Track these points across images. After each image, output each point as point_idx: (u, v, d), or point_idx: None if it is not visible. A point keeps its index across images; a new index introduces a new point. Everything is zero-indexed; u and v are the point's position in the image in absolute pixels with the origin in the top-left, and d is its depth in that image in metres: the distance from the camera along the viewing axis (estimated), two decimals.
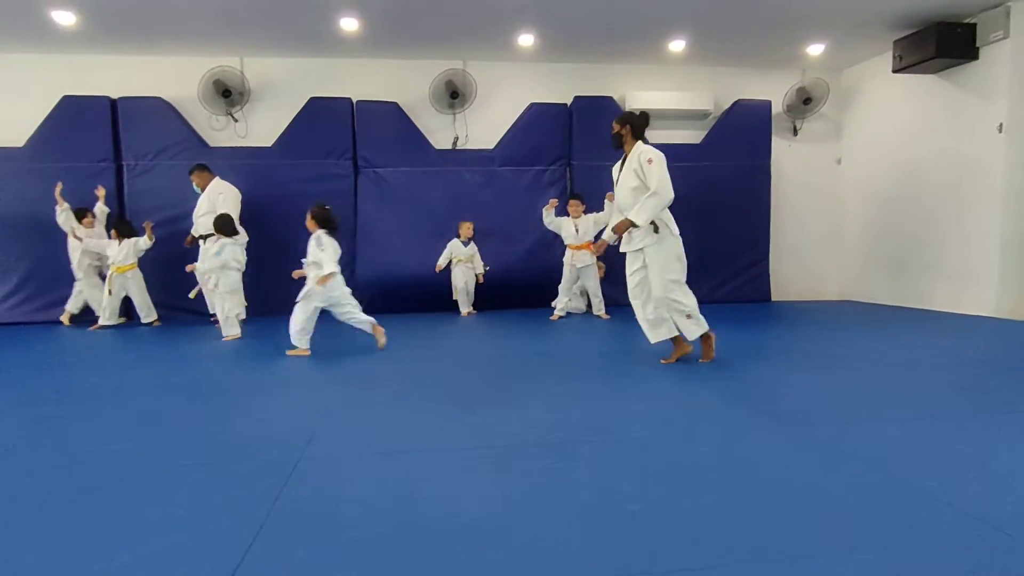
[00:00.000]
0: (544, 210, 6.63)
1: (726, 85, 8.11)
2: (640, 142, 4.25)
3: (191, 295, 6.18)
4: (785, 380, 3.74)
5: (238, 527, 1.78)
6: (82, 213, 6.70)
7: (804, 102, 8.11)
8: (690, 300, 4.11)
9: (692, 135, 8.08)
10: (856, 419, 2.81)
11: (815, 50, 7.60)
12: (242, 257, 5.91)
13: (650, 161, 4.03)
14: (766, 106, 8.04)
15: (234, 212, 6.35)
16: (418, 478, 2.16)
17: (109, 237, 6.67)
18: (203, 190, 6.52)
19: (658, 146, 7.60)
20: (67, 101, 7.04)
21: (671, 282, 4.06)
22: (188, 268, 6.07)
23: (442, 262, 7.13)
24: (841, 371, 3.94)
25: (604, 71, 7.97)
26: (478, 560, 1.58)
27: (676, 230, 4.11)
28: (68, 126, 7.02)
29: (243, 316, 6.16)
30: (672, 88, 8.01)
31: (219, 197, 6.48)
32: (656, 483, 2.07)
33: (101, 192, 6.90)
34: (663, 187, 3.93)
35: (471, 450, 2.46)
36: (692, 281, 7.70)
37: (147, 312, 6.75)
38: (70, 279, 6.83)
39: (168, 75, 7.29)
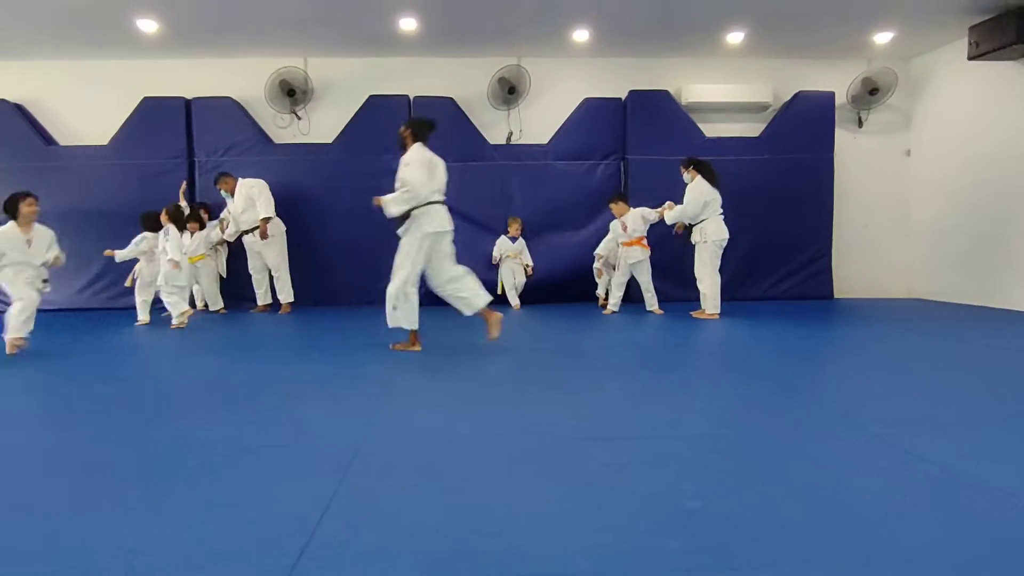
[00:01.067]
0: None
1: (786, 77, 7.89)
2: (417, 144, 4.58)
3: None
4: (851, 379, 3.63)
5: (304, 508, 1.83)
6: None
7: (870, 92, 7.80)
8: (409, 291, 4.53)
9: (750, 128, 7.90)
10: (929, 421, 2.69)
11: (883, 38, 7.30)
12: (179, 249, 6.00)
13: (407, 164, 4.49)
14: (829, 97, 7.78)
15: (270, 200, 6.84)
16: (475, 468, 2.17)
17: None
18: (231, 193, 6.92)
19: (715, 140, 7.60)
20: (147, 102, 7.49)
21: (398, 268, 4.55)
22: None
23: (496, 254, 7.25)
24: (911, 371, 3.79)
25: (659, 64, 7.89)
26: (537, 550, 1.58)
27: (429, 227, 4.49)
28: (147, 125, 7.47)
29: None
30: (729, 81, 7.85)
31: (253, 189, 6.88)
32: (717, 481, 2.03)
33: (184, 188, 7.28)
34: (411, 183, 4.41)
35: (527, 442, 2.46)
36: (749, 277, 7.54)
37: (214, 300, 7.11)
38: None
39: (237, 76, 7.65)
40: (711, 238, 6.12)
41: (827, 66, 7.93)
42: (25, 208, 4.69)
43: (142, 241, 6.28)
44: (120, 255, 6.29)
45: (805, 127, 7.72)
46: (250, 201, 6.86)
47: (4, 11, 6.22)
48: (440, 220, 4.56)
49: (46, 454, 2.35)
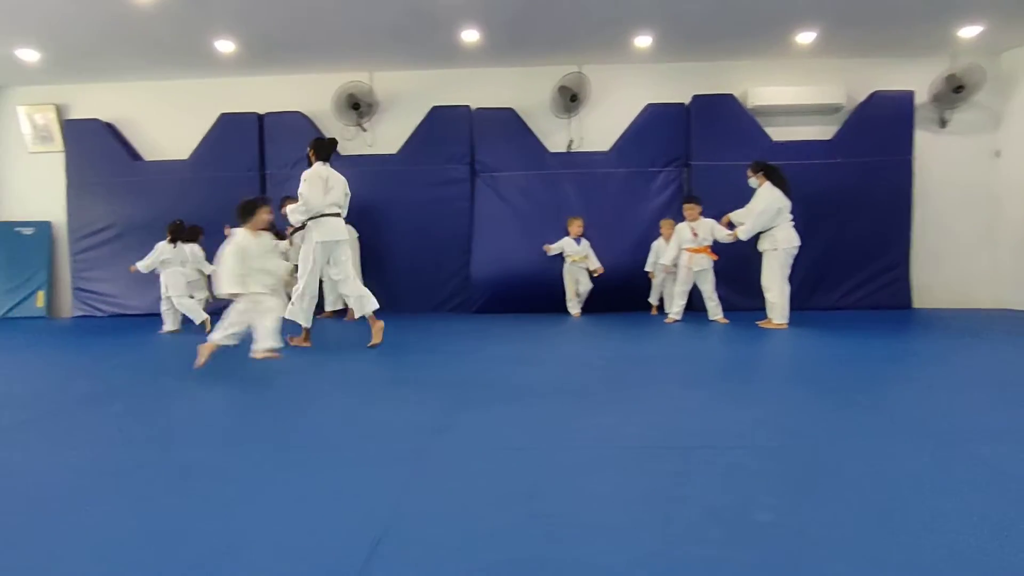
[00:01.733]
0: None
1: (860, 76, 7.55)
2: (318, 163, 5.08)
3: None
4: (930, 392, 3.43)
5: (378, 505, 1.91)
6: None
7: (955, 90, 7.36)
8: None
9: (821, 131, 7.59)
10: (1007, 438, 2.53)
11: (969, 32, 6.88)
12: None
13: (304, 180, 4.97)
14: (908, 97, 7.39)
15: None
16: (540, 475, 2.18)
17: None
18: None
19: (783, 144, 7.34)
20: (223, 118, 7.89)
21: (301, 271, 5.14)
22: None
23: (552, 248, 7.11)
24: (1000, 386, 3.55)
25: (724, 68, 7.70)
26: (603, 559, 1.58)
27: (320, 237, 4.99)
28: (223, 140, 7.88)
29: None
30: (799, 83, 7.58)
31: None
32: (788, 493, 1.97)
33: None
34: (306, 198, 4.95)
35: (592, 450, 2.45)
36: (820, 285, 7.23)
37: (284, 307, 7.39)
38: None
39: (306, 91, 7.96)
40: (782, 246, 5.90)
41: (906, 64, 7.54)
42: (264, 215, 4.49)
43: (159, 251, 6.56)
44: (142, 265, 6.59)
45: (882, 128, 7.36)
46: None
47: (102, 37, 6.69)
48: (332, 230, 5.05)
49: (143, 448, 2.51)
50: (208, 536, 1.75)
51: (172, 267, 6.49)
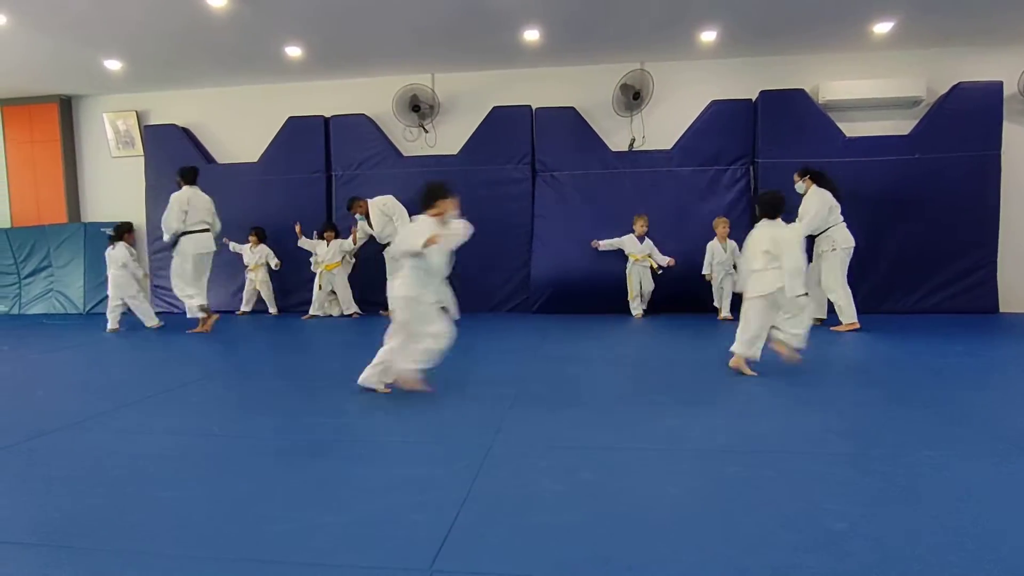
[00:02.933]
0: None
1: (941, 67, 7.16)
2: (186, 187, 6.34)
3: None
4: (1014, 401, 3.22)
5: (444, 500, 1.93)
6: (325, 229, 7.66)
7: None
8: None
9: (899, 125, 7.24)
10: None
11: None
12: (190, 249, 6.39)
13: (169, 205, 6.30)
14: (996, 87, 6.96)
15: (405, 212, 7.09)
16: (606, 474, 2.17)
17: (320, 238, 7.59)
18: (365, 215, 7.29)
19: (857, 140, 7.04)
20: (291, 122, 8.14)
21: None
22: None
23: (604, 244, 7.06)
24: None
25: (793, 62, 7.44)
26: (672, 558, 1.56)
27: (191, 250, 6.29)
28: (291, 143, 8.12)
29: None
30: (873, 75, 7.25)
31: (386, 207, 7.23)
32: (863, 502, 1.90)
33: (299, 227, 7.64)
34: (164, 221, 6.30)
35: (658, 452, 2.43)
36: (897, 287, 6.90)
37: (348, 304, 7.56)
38: (288, 275, 7.90)
39: (370, 94, 8.11)
40: (841, 245, 5.84)
41: (992, 53, 7.11)
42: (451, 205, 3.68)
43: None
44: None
45: (966, 122, 6.95)
46: (386, 218, 7.26)
47: (180, 47, 7.02)
48: (199, 243, 6.31)
49: (232, 440, 2.60)
50: (280, 522, 1.79)
51: (114, 268, 6.59)
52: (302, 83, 8.30)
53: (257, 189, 8.17)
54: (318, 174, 8.14)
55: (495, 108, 7.75)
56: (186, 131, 8.49)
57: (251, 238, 7.80)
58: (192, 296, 6.32)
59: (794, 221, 5.97)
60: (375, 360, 3.51)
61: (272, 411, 3.15)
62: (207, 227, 6.40)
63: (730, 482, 2.10)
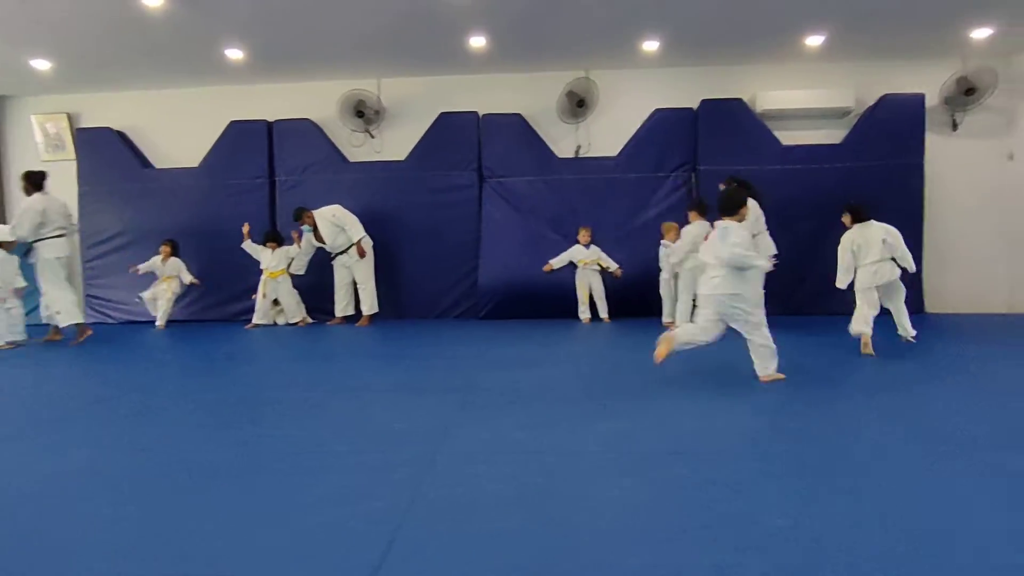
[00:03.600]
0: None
1: (870, 79, 7.50)
2: (36, 194, 6.03)
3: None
4: (948, 400, 3.39)
5: (387, 509, 1.91)
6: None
7: (966, 93, 7.30)
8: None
9: (831, 135, 7.55)
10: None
11: (980, 35, 6.83)
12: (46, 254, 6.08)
13: (22, 211, 6.03)
14: (919, 99, 7.32)
15: (357, 221, 7.18)
16: (552, 478, 2.18)
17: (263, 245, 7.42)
18: (313, 226, 7.20)
19: (792, 148, 7.30)
20: (233, 126, 7.94)
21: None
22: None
23: (555, 263, 7.15)
24: (1019, 393, 3.50)
25: (732, 72, 7.67)
26: (616, 563, 1.58)
27: (48, 254, 6.02)
28: (233, 148, 7.93)
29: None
30: (807, 86, 7.54)
31: (336, 217, 7.18)
32: (804, 501, 1.96)
33: (247, 228, 7.43)
34: (18, 229, 5.99)
35: (604, 455, 2.45)
36: (831, 289, 7.11)
37: (294, 313, 7.42)
38: (230, 283, 7.71)
39: (315, 98, 7.99)
40: (764, 253, 5.95)
41: (916, 67, 7.48)
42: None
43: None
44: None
45: (892, 132, 7.30)
46: (337, 228, 7.20)
47: (114, 47, 6.76)
48: (56, 248, 6.06)
49: (154, 453, 2.51)
50: (216, 538, 1.74)
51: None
52: (244, 86, 8.12)
53: (198, 195, 7.95)
54: (261, 180, 7.96)
55: (442, 114, 7.73)
56: (121, 134, 8.19)
57: (163, 249, 7.42)
58: (61, 313, 6.07)
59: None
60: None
61: (205, 425, 3.05)
62: (63, 232, 6.15)
63: (674, 484, 2.14)
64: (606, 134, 7.74)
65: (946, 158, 7.52)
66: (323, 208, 7.29)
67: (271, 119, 8.00)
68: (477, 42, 6.91)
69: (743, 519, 1.82)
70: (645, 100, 7.67)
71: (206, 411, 3.32)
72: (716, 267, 3.81)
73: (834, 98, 7.45)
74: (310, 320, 7.54)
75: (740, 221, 3.94)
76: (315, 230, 7.25)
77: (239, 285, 7.72)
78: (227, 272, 7.72)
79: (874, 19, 6.42)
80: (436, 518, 1.86)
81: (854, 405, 3.25)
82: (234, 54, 7.09)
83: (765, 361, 3.84)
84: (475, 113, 7.74)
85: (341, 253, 7.33)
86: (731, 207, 3.93)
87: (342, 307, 7.47)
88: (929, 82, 7.40)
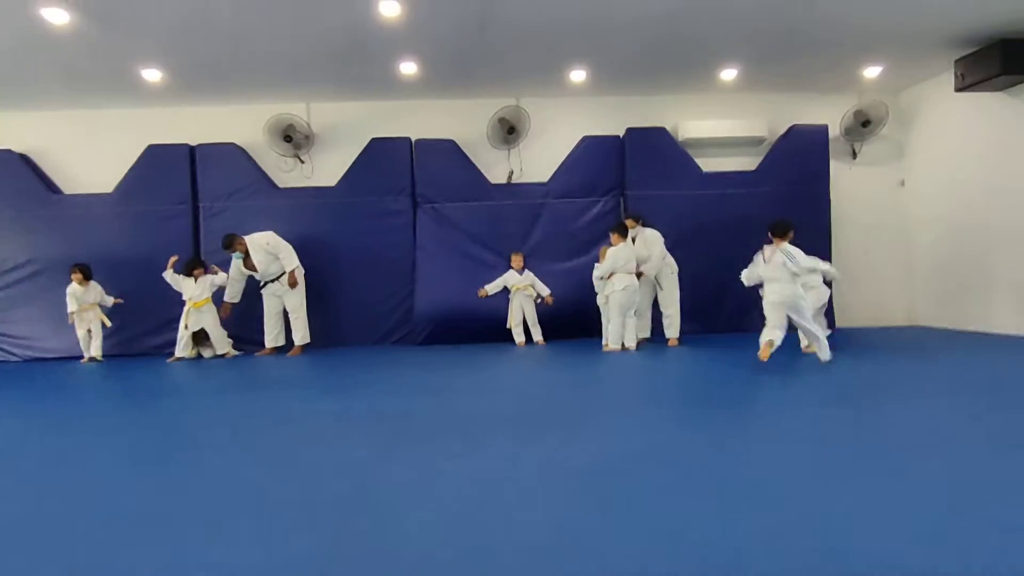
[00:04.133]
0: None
1: (780, 111, 8.06)
2: None
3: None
4: (850, 409, 3.65)
5: (312, 550, 1.87)
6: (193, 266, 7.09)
7: (862, 124, 7.97)
8: None
9: (747, 162, 8.04)
10: (939, 450, 2.73)
11: (872, 72, 7.49)
12: None
13: None
14: (823, 130, 7.93)
15: (291, 249, 7.06)
16: (481, 504, 2.21)
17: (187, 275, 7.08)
18: (245, 253, 6.99)
19: (712, 174, 7.71)
20: (152, 150, 7.59)
21: None
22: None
23: (489, 289, 7.22)
24: (911, 398, 3.83)
25: (656, 102, 8.06)
26: None
27: None
28: (152, 173, 7.56)
29: None
30: (725, 116, 8.02)
31: (269, 245, 7.01)
32: (727, 510, 2.07)
33: (173, 261, 7.08)
34: None
35: (533, 477, 2.49)
36: (752, 308, 7.52)
37: (221, 344, 7.11)
38: (149, 316, 7.33)
39: (241, 122, 7.78)
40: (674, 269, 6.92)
41: (820, 100, 8.11)
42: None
43: None
44: None
45: (800, 159, 7.86)
46: (271, 256, 7.01)
47: (14, 64, 6.35)
48: None
49: (68, 499, 2.35)
50: None
51: None
52: (164, 108, 7.80)
53: (112, 222, 7.52)
54: (183, 206, 7.63)
55: (374, 139, 7.70)
56: (24, 157, 7.66)
57: (74, 276, 6.88)
58: None
59: None
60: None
61: (121, 466, 2.87)
62: None
63: (602, 501, 2.20)
64: (538, 160, 7.93)
65: (848, 184, 8.17)
66: (256, 235, 7.07)
67: (194, 143, 7.71)
68: (408, 68, 6.95)
69: (668, 530, 1.91)
70: (574, 127, 7.92)
71: (124, 451, 3.14)
72: (779, 280, 5.24)
73: (749, 128, 7.95)
74: (235, 352, 7.25)
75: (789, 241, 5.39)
76: (246, 257, 7.00)
77: (159, 317, 7.34)
78: (146, 304, 7.32)
79: (779, 55, 6.93)
80: (363, 551, 1.85)
81: (773, 417, 3.45)
82: (152, 75, 6.80)
83: (814, 342, 5.25)
84: (408, 139, 7.75)
85: (272, 281, 7.12)
86: (783, 232, 5.48)
87: (272, 337, 7.24)
88: (832, 114, 8.03)
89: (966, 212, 7.41)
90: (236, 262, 7.04)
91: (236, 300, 7.23)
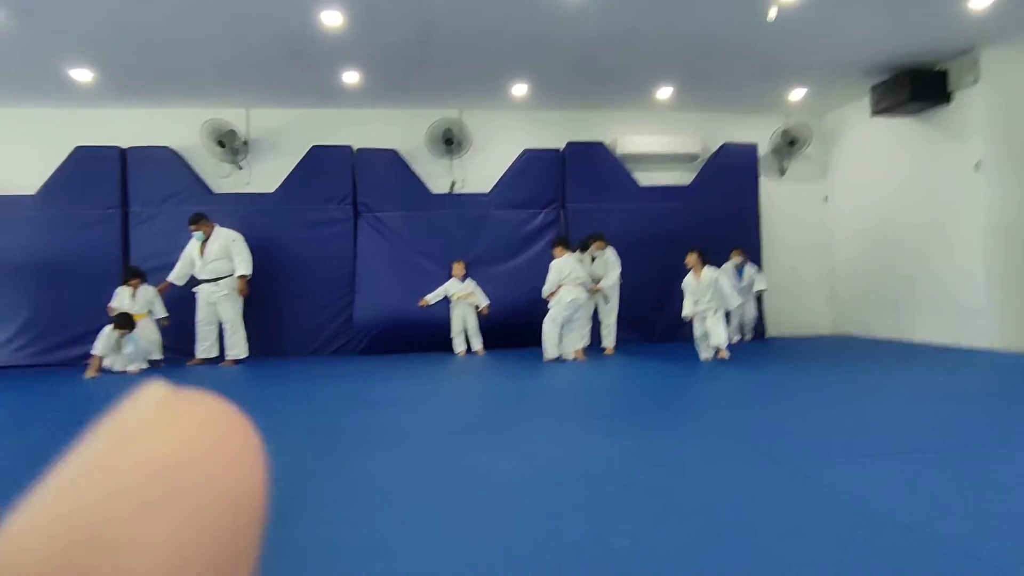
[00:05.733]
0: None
1: (713, 129, 8.41)
2: None
3: None
4: (775, 416, 3.83)
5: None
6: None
7: (789, 144, 8.39)
8: None
9: (681, 177, 8.34)
10: (845, 454, 2.88)
11: (797, 95, 7.91)
12: None
13: None
14: (752, 149, 8.31)
15: (249, 258, 6.81)
16: (410, 519, 2.19)
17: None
18: (207, 237, 6.74)
19: (649, 189, 7.95)
20: (79, 151, 7.32)
21: None
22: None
23: (430, 298, 7.18)
24: (833, 406, 4.02)
25: (595, 118, 8.28)
26: None
27: None
28: (79, 175, 7.29)
29: None
30: (661, 132, 8.31)
31: (234, 244, 6.80)
32: (644, 519, 2.12)
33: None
34: None
35: (464, 490, 2.49)
36: (681, 323, 7.64)
37: (153, 354, 6.71)
38: (72, 324, 7.00)
39: (176, 125, 7.59)
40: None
41: (750, 119, 8.50)
42: None
43: None
44: None
45: (731, 176, 8.21)
46: (225, 252, 6.74)
47: None
48: None
49: None
50: None
51: None
52: (94, 110, 7.53)
53: (35, 226, 7.19)
54: (112, 211, 7.37)
55: (314, 147, 7.63)
56: None
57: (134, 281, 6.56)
58: None
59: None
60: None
61: (12, 492, 2.76)
62: None
63: (530, 513, 2.22)
64: (480, 171, 8.01)
65: (777, 200, 8.56)
66: (229, 230, 6.86)
67: (125, 145, 7.47)
68: (351, 77, 6.94)
69: (589, 541, 1.95)
70: (516, 140, 8.06)
71: (16, 475, 3.01)
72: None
73: (683, 144, 8.26)
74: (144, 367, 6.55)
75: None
76: (204, 243, 6.73)
77: (82, 326, 7.03)
78: (68, 311, 7.02)
79: (711, 76, 7.24)
80: (286, 572, 1.83)
81: (696, 425, 3.58)
82: (81, 75, 6.59)
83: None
84: (349, 147, 7.72)
85: (208, 281, 6.82)
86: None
87: (205, 347, 6.99)
88: (761, 133, 8.43)
89: (883, 229, 7.88)
90: (194, 243, 6.78)
91: (180, 283, 6.90)
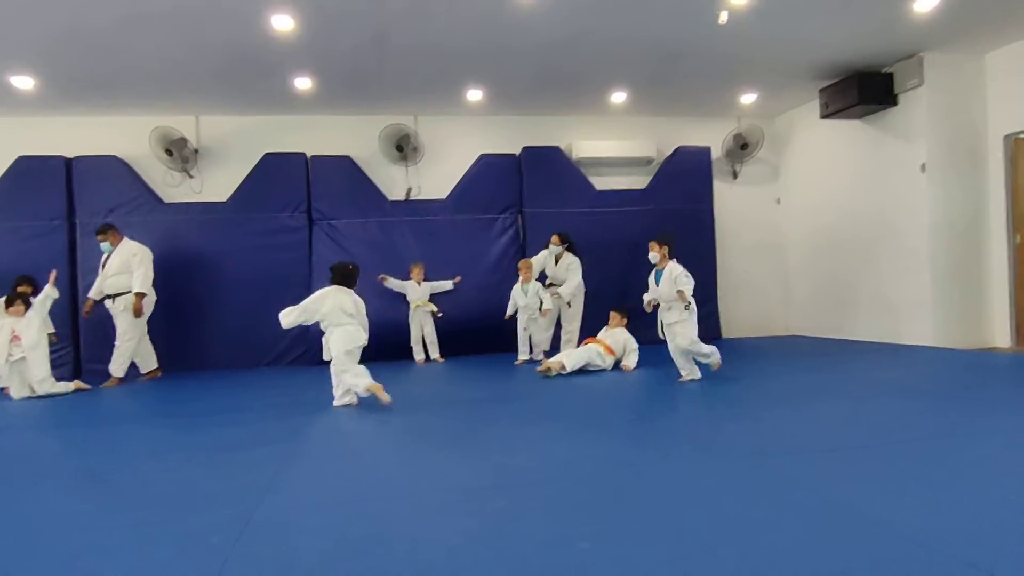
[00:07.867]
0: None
1: (667, 133, 8.51)
2: None
3: None
4: (731, 416, 3.89)
5: (203, 566, 1.83)
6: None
7: (741, 147, 8.54)
8: None
9: (637, 181, 8.42)
10: (799, 450, 2.95)
11: (748, 99, 8.05)
12: None
13: None
14: (706, 152, 8.44)
15: (150, 274, 6.45)
16: (376, 526, 2.20)
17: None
18: (115, 248, 6.48)
19: (605, 193, 8.01)
20: (21, 161, 7.12)
21: None
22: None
23: (391, 283, 7.27)
24: (785, 404, 4.10)
25: (551, 122, 8.32)
26: None
27: None
28: (21, 186, 7.08)
29: None
30: (616, 137, 8.38)
31: (135, 257, 6.43)
32: (607, 520, 2.15)
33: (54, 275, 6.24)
34: None
35: (428, 496, 2.51)
36: (648, 321, 7.76)
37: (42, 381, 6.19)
38: None
39: (124, 134, 7.42)
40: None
41: (703, 123, 8.62)
42: None
43: None
44: None
45: (686, 179, 8.32)
46: (125, 267, 6.40)
47: None
48: None
49: None
50: None
51: None
52: (37, 118, 7.33)
53: None
54: (58, 222, 7.18)
55: (267, 155, 7.54)
56: None
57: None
58: None
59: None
60: None
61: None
62: None
63: (495, 517, 2.22)
64: (436, 177, 7.99)
65: (730, 203, 8.71)
66: (134, 243, 6.57)
67: (70, 155, 7.28)
68: (303, 84, 6.87)
69: (553, 544, 1.97)
70: (472, 145, 8.05)
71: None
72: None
73: (638, 148, 8.34)
74: (86, 386, 6.18)
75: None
76: (110, 255, 6.44)
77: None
78: None
79: (664, 80, 7.32)
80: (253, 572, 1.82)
81: (654, 427, 3.62)
82: (22, 83, 6.40)
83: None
84: (303, 154, 7.64)
85: (108, 298, 6.47)
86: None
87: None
88: (714, 137, 8.56)
89: (831, 230, 8.06)
90: (105, 256, 6.50)
91: (99, 299, 6.51)
